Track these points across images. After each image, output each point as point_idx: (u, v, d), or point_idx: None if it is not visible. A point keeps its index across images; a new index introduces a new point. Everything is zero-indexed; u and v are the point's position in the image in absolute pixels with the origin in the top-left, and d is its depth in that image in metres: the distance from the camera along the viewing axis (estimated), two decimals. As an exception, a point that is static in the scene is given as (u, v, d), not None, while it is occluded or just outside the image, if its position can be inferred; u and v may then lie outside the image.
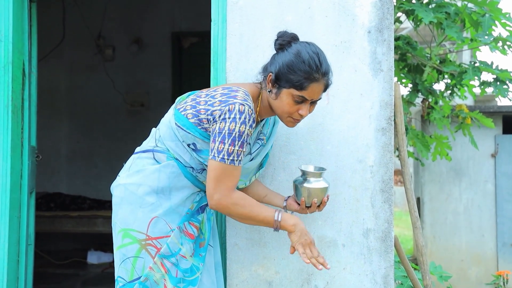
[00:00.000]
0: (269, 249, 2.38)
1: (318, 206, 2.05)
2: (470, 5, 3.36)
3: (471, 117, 3.86)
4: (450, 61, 3.83)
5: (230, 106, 1.82)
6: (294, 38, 1.93)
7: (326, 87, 1.92)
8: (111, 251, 5.11)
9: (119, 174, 2.05)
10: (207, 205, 2.03)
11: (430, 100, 3.84)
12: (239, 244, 2.38)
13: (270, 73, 1.91)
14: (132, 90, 6.19)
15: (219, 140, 1.82)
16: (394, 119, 2.46)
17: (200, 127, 1.89)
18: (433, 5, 3.39)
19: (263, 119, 2.07)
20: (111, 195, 2.06)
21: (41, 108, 3.15)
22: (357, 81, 2.37)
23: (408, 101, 3.74)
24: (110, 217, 4.65)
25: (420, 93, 3.74)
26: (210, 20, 2.47)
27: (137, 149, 2.07)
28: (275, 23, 2.40)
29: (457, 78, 3.61)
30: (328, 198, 2.04)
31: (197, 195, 2.01)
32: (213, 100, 1.88)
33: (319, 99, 1.94)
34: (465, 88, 3.96)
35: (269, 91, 1.93)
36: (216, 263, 2.10)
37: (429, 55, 3.67)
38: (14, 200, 2.61)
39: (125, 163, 2.11)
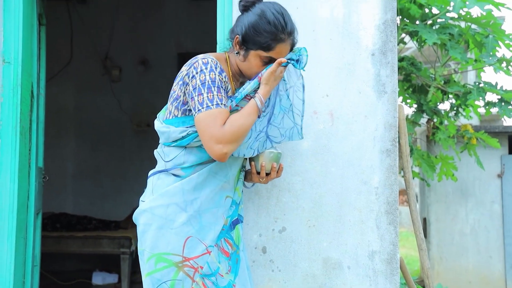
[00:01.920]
0: (276, 272, 2.37)
1: (277, 171, 2.03)
2: (473, 26, 3.39)
3: (477, 137, 3.85)
4: (455, 81, 3.85)
5: (194, 64, 1.85)
6: (253, 1, 1.92)
7: (292, 46, 1.92)
8: (116, 271, 5.15)
9: (142, 199, 1.99)
10: (238, 219, 2.03)
11: (435, 120, 3.84)
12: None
13: (237, 36, 1.91)
14: (138, 110, 6.23)
15: (197, 94, 1.81)
16: (399, 141, 2.47)
17: (188, 112, 1.89)
18: (437, 26, 3.42)
19: (241, 82, 2.04)
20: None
21: (48, 127, 3.19)
22: (361, 103, 2.39)
23: (413, 121, 3.76)
24: (115, 238, 4.69)
25: (425, 113, 3.75)
26: (216, 42, 2.50)
27: (151, 171, 2.03)
28: (280, 45, 2.42)
29: (461, 99, 3.62)
30: (283, 167, 2.04)
31: (229, 209, 1.98)
32: (179, 75, 1.91)
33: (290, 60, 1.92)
34: (470, 108, 3.97)
35: (236, 53, 1.93)
36: (247, 266, 2.08)
37: (433, 76, 3.69)
38: (21, 221, 2.62)
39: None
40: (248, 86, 1.92)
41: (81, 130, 6.28)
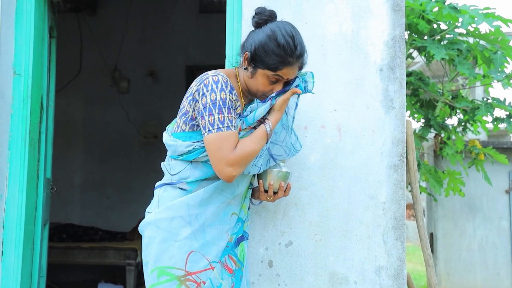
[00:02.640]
0: (282, 286, 2.36)
1: (284, 190, 2.03)
2: (482, 42, 3.39)
3: (485, 153, 3.84)
4: (463, 96, 3.84)
5: (205, 81, 1.85)
6: (272, 16, 1.93)
7: (300, 68, 1.93)
8: (122, 283, 5.13)
9: (148, 210, 2.00)
10: (243, 236, 2.03)
11: (442, 135, 3.83)
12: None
13: (246, 52, 1.92)
14: (146, 121, 6.26)
15: (207, 113, 1.82)
16: (406, 156, 2.47)
17: (195, 127, 1.90)
18: (445, 41, 3.43)
19: (250, 99, 2.05)
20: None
21: (56, 139, 3.21)
22: (369, 118, 2.39)
23: (420, 136, 3.75)
24: (121, 249, 4.69)
25: (432, 128, 3.75)
26: (224, 55, 2.52)
27: (158, 183, 2.04)
28: (288, 60, 2.43)
29: (469, 114, 3.61)
30: (290, 186, 2.05)
31: (235, 226, 1.98)
32: (189, 91, 1.91)
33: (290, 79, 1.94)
34: (478, 123, 3.96)
35: (245, 69, 1.94)
36: (247, 282, 2.07)
37: (441, 91, 3.69)
38: (28, 232, 2.63)
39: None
40: (261, 110, 1.92)
41: (89, 141, 6.31)
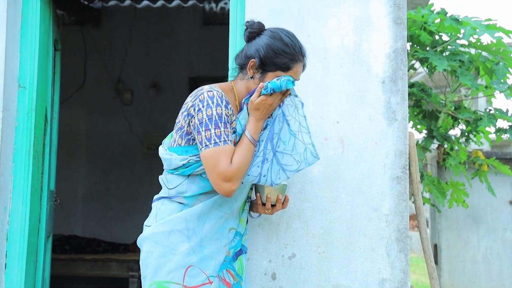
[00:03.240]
0: (284, 297, 2.36)
1: (282, 203, 2.03)
2: (484, 53, 3.40)
3: (488, 164, 3.83)
4: (465, 107, 3.85)
5: (200, 96, 1.85)
6: (262, 28, 1.96)
7: (304, 67, 1.97)
8: (125, 295, 5.12)
9: (146, 223, 2.00)
10: (241, 250, 2.02)
11: (445, 146, 3.83)
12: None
13: (253, 59, 1.91)
14: (149, 133, 6.28)
15: (204, 129, 1.82)
16: (409, 168, 2.47)
17: (191, 142, 1.89)
18: (447, 53, 3.44)
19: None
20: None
21: (59, 150, 3.22)
22: (372, 130, 2.40)
23: (423, 147, 3.75)
24: (124, 261, 4.68)
25: (435, 139, 3.74)
26: (227, 67, 2.53)
27: (156, 196, 2.05)
28: (291, 72, 2.45)
29: (472, 125, 3.61)
30: (288, 198, 2.05)
31: (233, 240, 1.98)
32: (184, 106, 1.91)
33: (298, 79, 1.96)
34: (481, 134, 3.95)
35: (251, 77, 1.93)
36: None
37: (444, 102, 3.69)
38: (32, 244, 2.63)
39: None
40: (241, 116, 1.92)
41: (92, 152, 6.33)
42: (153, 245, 1.90)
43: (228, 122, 1.85)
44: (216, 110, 1.83)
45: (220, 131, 1.82)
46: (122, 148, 6.29)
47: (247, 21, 1.99)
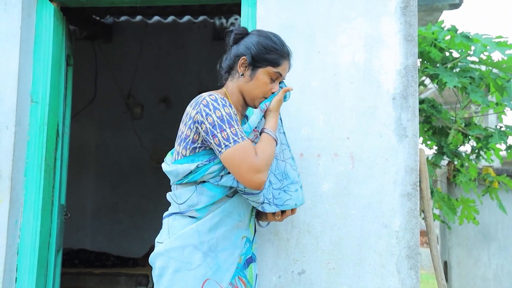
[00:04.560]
0: (293, 314, 2.35)
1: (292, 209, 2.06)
2: (494, 70, 3.39)
3: (499, 181, 3.81)
4: (476, 124, 3.83)
5: (203, 102, 1.87)
6: (246, 32, 2.04)
7: (290, 67, 2.05)
8: (133, 310, 5.10)
9: (158, 240, 1.99)
10: (251, 257, 2.02)
11: (455, 162, 3.81)
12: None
13: (244, 57, 1.98)
14: (159, 147, 6.29)
15: (218, 130, 1.82)
16: (420, 185, 2.46)
17: (197, 149, 1.90)
18: (458, 69, 3.44)
19: (242, 114, 2.10)
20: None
21: (69, 164, 3.24)
22: (382, 146, 2.39)
23: (433, 163, 3.73)
24: (132, 275, 4.67)
25: (445, 156, 3.73)
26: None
27: (166, 213, 2.04)
28: (301, 88, 2.46)
29: (483, 142, 3.60)
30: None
31: (243, 247, 1.98)
32: (187, 116, 1.93)
33: (284, 79, 2.04)
34: (492, 151, 3.93)
35: (241, 75, 1.99)
36: None
37: (454, 118, 3.68)
38: (42, 259, 2.64)
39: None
40: (253, 118, 1.98)
41: (102, 167, 6.35)
42: (167, 260, 1.90)
43: (237, 120, 1.87)
44: (224, 110, 1.85)
45: (236, 129, 1.83)
46: (131, 162, 6.31)
47: (231, 27, 2.07)
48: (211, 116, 1.84)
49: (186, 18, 6.09)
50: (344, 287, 2.34)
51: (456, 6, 4.58)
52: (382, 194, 2.37)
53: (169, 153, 2.08)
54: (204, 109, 1.85)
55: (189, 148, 1.92)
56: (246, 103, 2.04)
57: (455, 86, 3.26)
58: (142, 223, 6.05)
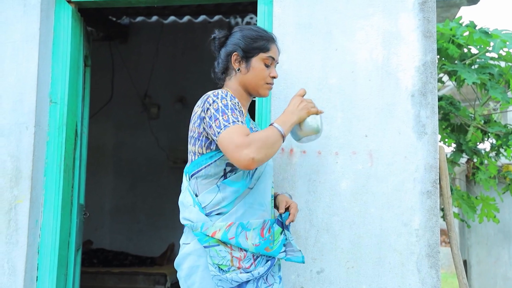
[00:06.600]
0: (313, 313, 2.34)
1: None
2: (514, 66, 3.34)
3: (519, 178, 3.75)
4: (495, 121, 3.78)
5: (208, 99, 1.90)
6: (227, 33, 2.11)
7: (279, 51, 2.10)
8: (152, 308, 5.12)
9: (183, 241, 1.98)
10: (277, 266, 2.02)
11: (475, 160, 3.77)
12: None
13: (235, 53, 2.02)
14: (176, 147, 6.32)
15: (213, 120, 1.84)
16: (440, 182, 2.43)
17: (212, 144, 1.90)
18: (476, 65, 3.39)
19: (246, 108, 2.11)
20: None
21: (87, 164, 3.26)
22: (401, 144, 2.37)
23: (452, 161, 3.69)
24: (151, 274, 4.69)
25: (464, 153, 3.69)
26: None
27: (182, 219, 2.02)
28: (319, 86, 2.45)
29: (503, 139, 3.55)
30: None
31: (270, 261, 1.96)
32: (195, 116, 1.95)
33: (277, 63, 2.10)
34: (512, 148, 3.88)
35: (238, 70, 2.02)
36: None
37: (472, 115, 3.64)
38: (62, 258, 2.66)
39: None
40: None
41: (119, 166, 6.40)
42: (196, 259, 1.90)
43: (236, 108, 1.87)
44: (221, 101, 1.87)
45: (228, 116, 1.83)
46: (148, 162, 6.34)
47: (214, 33, 2.13)
48: (210, 110, 1.86)
49: (202, 17, 6.10)
50: (364, 286, 2.33)
51: (474, 1, 4.52)
52: (402, 192, 2.35)
53: (186, 166, 2.06)
54: (206, 105, 1.89)
55: (205, 145, 1.92)
56: (250, 95, 2.07)
57: (474, 83, 3.22)
58: (160, 222, 6.07)
